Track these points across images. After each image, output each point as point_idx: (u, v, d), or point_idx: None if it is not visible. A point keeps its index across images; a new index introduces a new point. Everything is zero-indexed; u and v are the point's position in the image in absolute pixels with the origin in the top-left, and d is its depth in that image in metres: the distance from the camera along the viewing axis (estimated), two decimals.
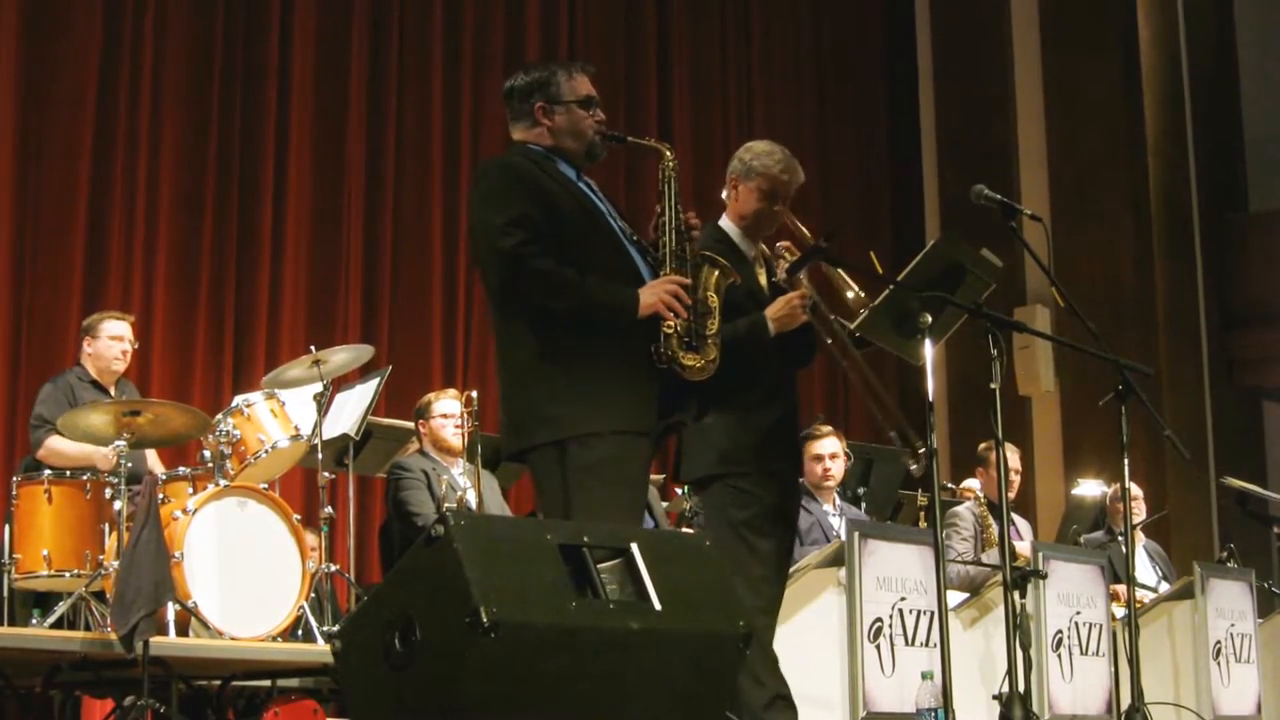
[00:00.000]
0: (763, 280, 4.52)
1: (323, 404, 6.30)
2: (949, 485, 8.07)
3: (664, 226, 3.92)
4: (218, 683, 5.52)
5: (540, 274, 3.75)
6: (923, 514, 7.81)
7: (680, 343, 3.80)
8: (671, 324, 3.78)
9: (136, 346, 6.63)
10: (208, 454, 5.99)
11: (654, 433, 3.86)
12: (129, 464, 5.57)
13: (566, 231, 3.83)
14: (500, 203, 3.82)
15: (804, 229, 4.52)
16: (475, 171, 4.32)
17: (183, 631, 5.38)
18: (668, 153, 3.99)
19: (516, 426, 3.84)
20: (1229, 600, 6.70)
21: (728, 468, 4.33)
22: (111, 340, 6.45)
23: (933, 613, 5.18)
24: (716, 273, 3.97)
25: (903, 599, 5.23)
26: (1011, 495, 7.12)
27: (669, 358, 3.77)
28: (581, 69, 4.03)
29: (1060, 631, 5.87)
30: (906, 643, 5.21)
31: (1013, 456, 7.46)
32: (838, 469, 6.88)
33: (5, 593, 5.75)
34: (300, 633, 5.71)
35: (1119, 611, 6.18)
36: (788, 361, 4.46)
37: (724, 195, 4.53)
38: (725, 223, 4.49)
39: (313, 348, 6.37)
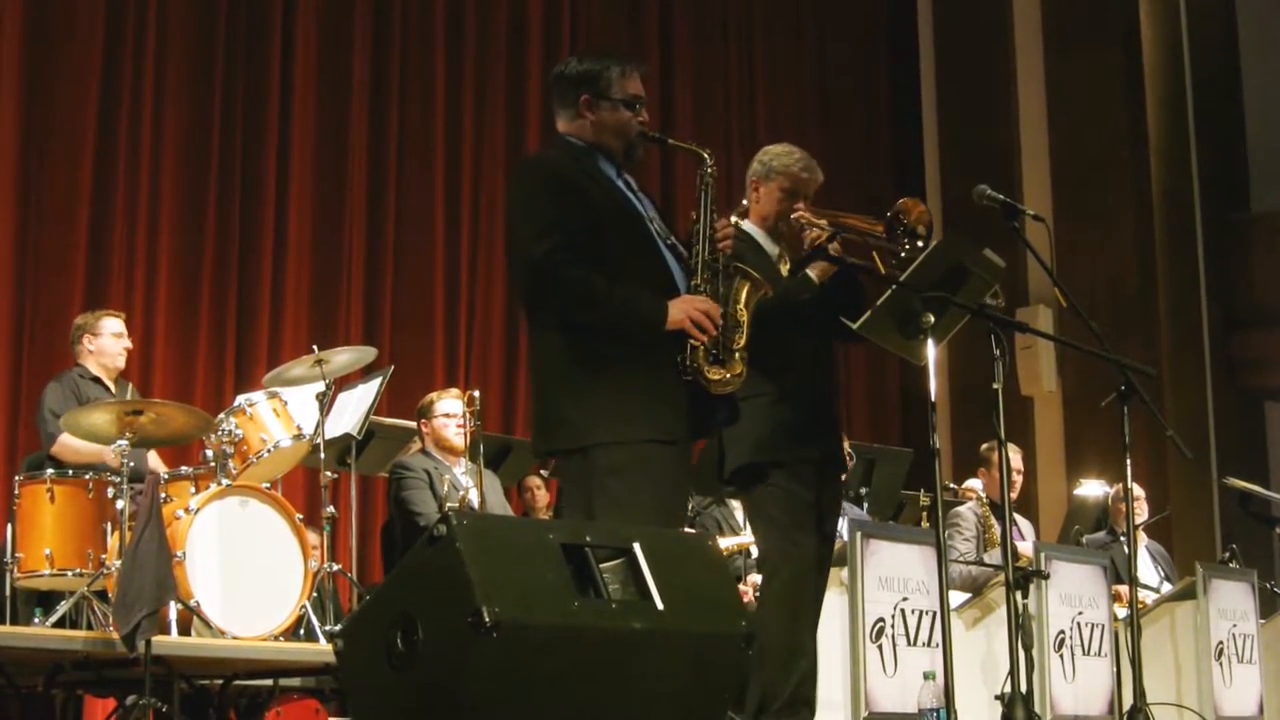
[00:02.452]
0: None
1: (325, 403, 6.30)
2: (951, 485, 8.08)
3: (698, 234, 3.88)
4: (220, 682, 5.53)
5: (569, 284, 3.71)
6: (925, 514, 7.81)
7: (706, 355, 3.77)
8: (699, 339, 3.76)
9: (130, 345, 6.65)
10: (210, 453, 5.99)
11: (684, 441, 3.79)
12: (131, 463, 5.57)
13: (601, 233, 3.77)
14: (535, 205, 3.77)
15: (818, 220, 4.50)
16: (515, 167, 4.27)
17: (185, 631, 5.38)
18: (707, 157, 3.94)
19: (540, 427, 3.84)
20: (1231, 601, 6.69)
21: (763, 456, 4.32)
22: (114, 337, 6.49)
23: (935, 613, 5.17)
24: (748, 285, 3.94)
25: (905, 599, 5.22)
26: (1013, 495, 7.11)
27: (694, 370, 3.75)
28: (635, 67, 3.95)
29: (1062, 632, 5.87)
30: (908, 643, 5.20)
31: (1015, 457, 7.46)
32: None
33: (8, 592, 5.75)
34: (302, 632, 5.71)
35: (1121, 612, 6.18)
36: (831, 323, 4.33)
37: (743, 200, 4.55)
38: (749, 225, 4.50)
39: (315, 347, 6.37)
